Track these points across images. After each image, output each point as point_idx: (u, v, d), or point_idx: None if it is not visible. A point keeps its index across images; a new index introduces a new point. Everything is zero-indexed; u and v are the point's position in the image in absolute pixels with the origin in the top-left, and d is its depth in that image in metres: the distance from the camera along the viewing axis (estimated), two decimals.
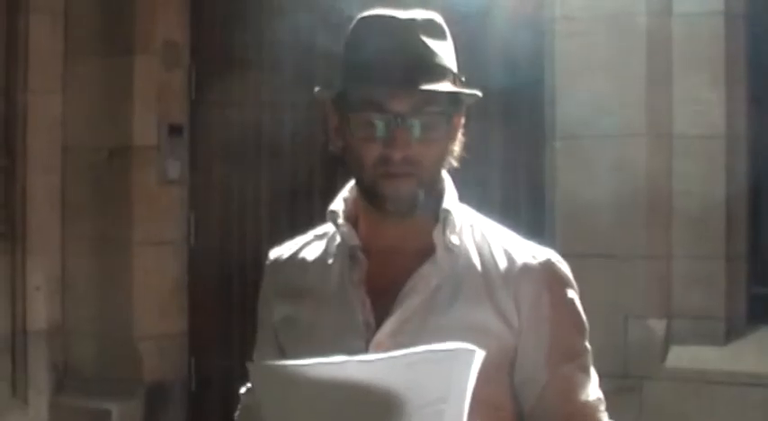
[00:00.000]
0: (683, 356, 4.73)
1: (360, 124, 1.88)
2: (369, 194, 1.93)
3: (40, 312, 5.97)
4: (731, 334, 4.75)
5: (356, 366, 1.65)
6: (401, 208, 1.90)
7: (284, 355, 2.02)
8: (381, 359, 1.67)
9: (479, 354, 1.67)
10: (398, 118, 1.85)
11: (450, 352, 1.67)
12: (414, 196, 1.89)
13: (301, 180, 5.74)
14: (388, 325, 1.90)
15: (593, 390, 1.97)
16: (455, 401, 1.67)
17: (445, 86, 1.88)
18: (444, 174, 1.98)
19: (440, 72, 1.89)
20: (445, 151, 1.94)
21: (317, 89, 1.97)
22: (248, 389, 2.15)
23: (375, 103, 1.86)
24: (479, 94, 1.94)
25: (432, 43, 1.90)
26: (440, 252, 1.93)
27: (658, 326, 4.76)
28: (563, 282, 1.97)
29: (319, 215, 2.09)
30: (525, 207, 5.14)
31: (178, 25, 6.07)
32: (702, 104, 4.71)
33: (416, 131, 1.86)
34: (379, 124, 1.86)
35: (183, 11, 6.09)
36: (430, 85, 1.86)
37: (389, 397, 1.62)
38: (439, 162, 1.93)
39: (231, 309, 5.88)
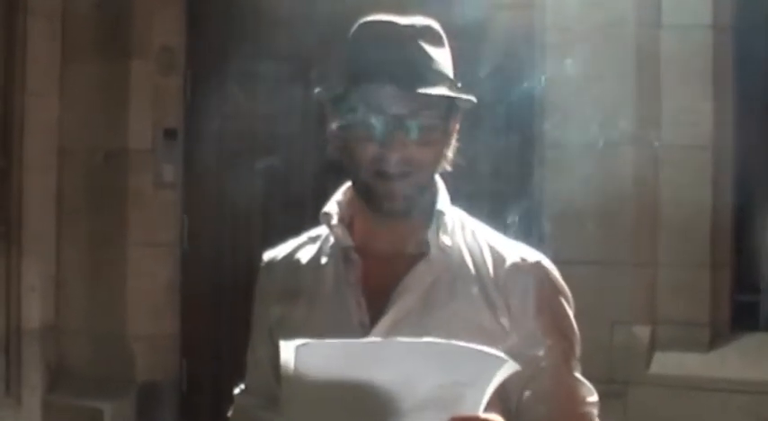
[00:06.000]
0: (667, 362, 4.76)
1: (358, 125, 1.91)
2: (365, 195, 1.95)
3: (35, 312, 6.01)
4: (715, 340, 4.78)
5: (393, 346, 1.68)
6: (396, 208, 1.92)
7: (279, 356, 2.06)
8: (421, 342, 1.67)
9: (511, 366, 1.69)
10: (396, 120, 1.89)
11: (487, 353, 1.68)
12: (408, 197, 1.92)
13: (294, 184, 5.77)
14: (383, 324, 1.91)
15: (579, 392, 1.99)
16: (477, 390, 1.68)
17: (442, 91, 1.91)
18: (437, 177, 2.01)
19: (437, 77, 1.92)
20: (440, 154, 1.96)
21: (317, 90, 2.00)
22: (242, 390, 2.18)
23: (374, 104, 1.89)
24: (474, 99, 1.97)
25: (430, 49, 1.93)
26: (433, 252, 1.95)
27: (643, 332, 4.79)
28: (551, 285, 2.00)
29: (311, 219, 2.11)
30: (514, 214, 5.15)
31: (174, 30, 6.09)
32: (690, 115, 4.74)
33: (413, 133, 1.89)
34: (378, 125, 1.89)
35: (180, 16, 6.12)
36: (428, 90, 1.89)
37: (418, 375, 1.64)
38: (434, 164, 1.96)
39: (223, 310, 5.91)
